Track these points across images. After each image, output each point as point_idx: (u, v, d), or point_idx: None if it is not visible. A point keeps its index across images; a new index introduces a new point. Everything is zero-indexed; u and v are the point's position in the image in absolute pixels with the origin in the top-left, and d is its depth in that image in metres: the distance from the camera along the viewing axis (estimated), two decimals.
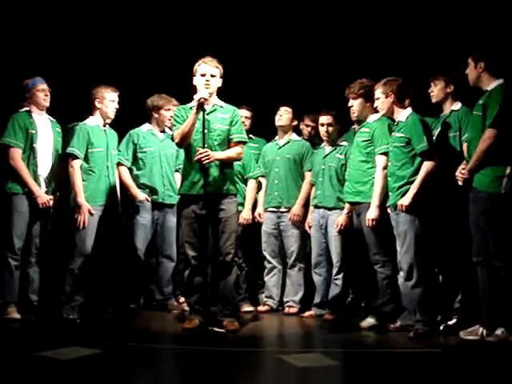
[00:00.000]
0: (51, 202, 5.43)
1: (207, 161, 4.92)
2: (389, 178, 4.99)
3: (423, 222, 4.81)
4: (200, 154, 4.91)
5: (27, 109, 5.49)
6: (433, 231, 4.91)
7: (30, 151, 5.41)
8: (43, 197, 5.39)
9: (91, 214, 5.38)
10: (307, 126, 6.41)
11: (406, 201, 4.78)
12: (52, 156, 5.55)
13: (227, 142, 5.13)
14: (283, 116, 6.15)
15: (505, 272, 4.45)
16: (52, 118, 5.64)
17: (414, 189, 4.77)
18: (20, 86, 5.54)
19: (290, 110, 6.14)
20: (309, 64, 7.04)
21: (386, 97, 4.99)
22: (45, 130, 5.54)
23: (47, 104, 5.55)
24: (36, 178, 5.41)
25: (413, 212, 4.78)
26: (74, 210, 5.40)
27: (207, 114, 5.07)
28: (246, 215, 6.01)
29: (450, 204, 4.89)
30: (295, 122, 6.22)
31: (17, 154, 5.37)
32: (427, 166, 4.78)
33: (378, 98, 5.06)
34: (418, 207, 4.77)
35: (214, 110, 5.14)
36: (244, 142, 5.22)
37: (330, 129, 5.77)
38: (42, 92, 5.51)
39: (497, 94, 4.52)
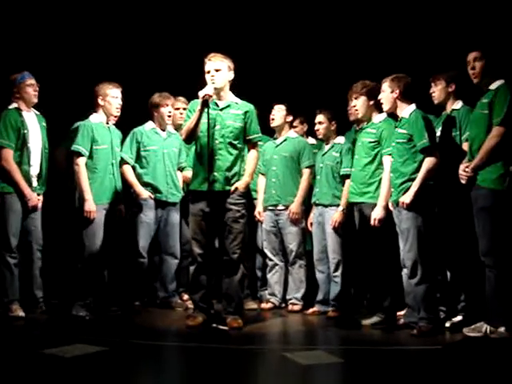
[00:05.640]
0: (40, 203, 5.42)
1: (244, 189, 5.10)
2: (391, 175, 5.00)
3: (426, 219, 4.81)
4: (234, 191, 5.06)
5: (15, 105, 5.39)
6: (438, 229, 4.90)
7: (23, 151, 5.35)
8: (34, 199, 5.36)
9: (93, 218, 5.35)
10: (301, 124, 6.41)
11: (407, 198, 4.78)
12: (42, 153, 5.48)
13: (241, 140, 5.15)
14: (276, 115, 6.14)
15: (500, 270, 4.45)
16: (37, 112, 5.53)
17: (415, 186, 4.77)
18: (7, 81, 5.42)
19: (282, 107, 6.12)
20: (308, 63, 7.05)
21: (391, 92, 4.98)
22: (34, 128, 5.46)
23: (36, 100, 5.44)
24: (28, 178, 5.36)
25: (414, 209, 4.78)
26: (80, 209, 5.39)
27: (220, 110, 5.09)
28: None
29: (455, 202, 4.88)
30: (290, 118, 6.18)
31: (9, 155, 5.31)
32: (428, 162, 4.78)
33: (383, 91, 5.05)
34: (419, 204, 4.77)
35: (228, 106, 5.14)
36: (259, 140, 5.32)
37: (321, 127, 5.81)
38: (31, 87, 5.40)
39: (503, 92, 4.52)
